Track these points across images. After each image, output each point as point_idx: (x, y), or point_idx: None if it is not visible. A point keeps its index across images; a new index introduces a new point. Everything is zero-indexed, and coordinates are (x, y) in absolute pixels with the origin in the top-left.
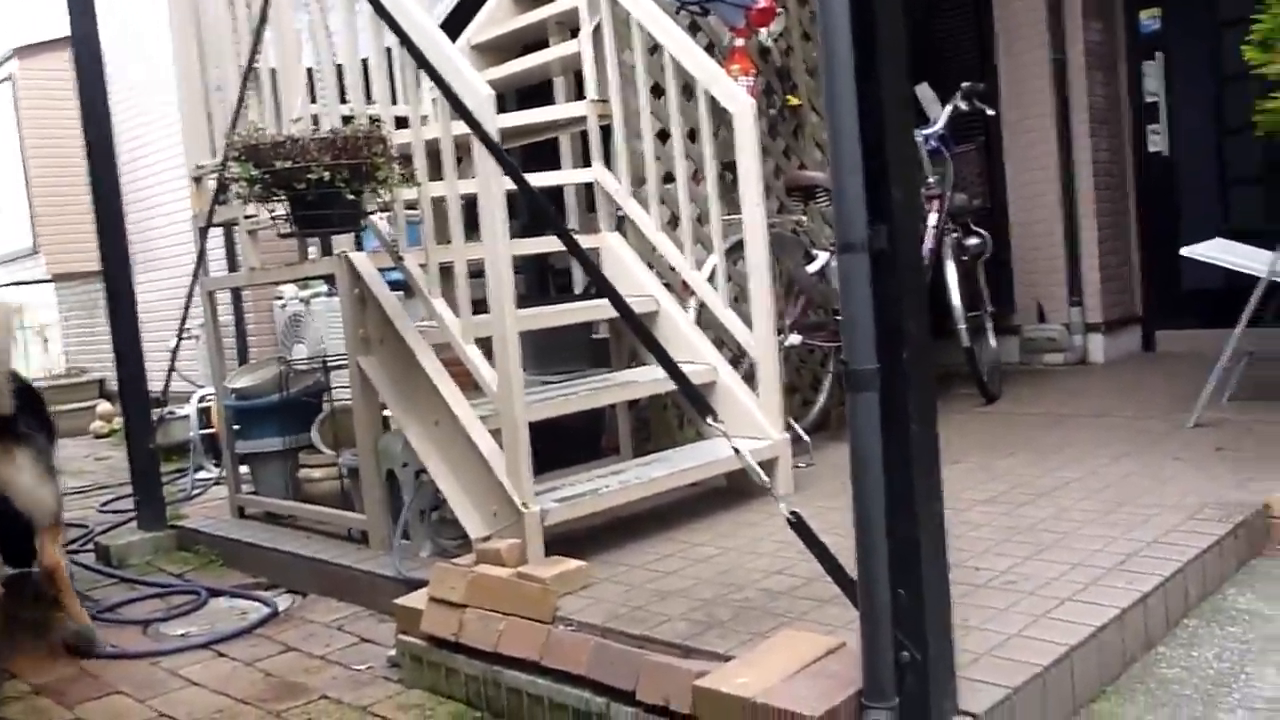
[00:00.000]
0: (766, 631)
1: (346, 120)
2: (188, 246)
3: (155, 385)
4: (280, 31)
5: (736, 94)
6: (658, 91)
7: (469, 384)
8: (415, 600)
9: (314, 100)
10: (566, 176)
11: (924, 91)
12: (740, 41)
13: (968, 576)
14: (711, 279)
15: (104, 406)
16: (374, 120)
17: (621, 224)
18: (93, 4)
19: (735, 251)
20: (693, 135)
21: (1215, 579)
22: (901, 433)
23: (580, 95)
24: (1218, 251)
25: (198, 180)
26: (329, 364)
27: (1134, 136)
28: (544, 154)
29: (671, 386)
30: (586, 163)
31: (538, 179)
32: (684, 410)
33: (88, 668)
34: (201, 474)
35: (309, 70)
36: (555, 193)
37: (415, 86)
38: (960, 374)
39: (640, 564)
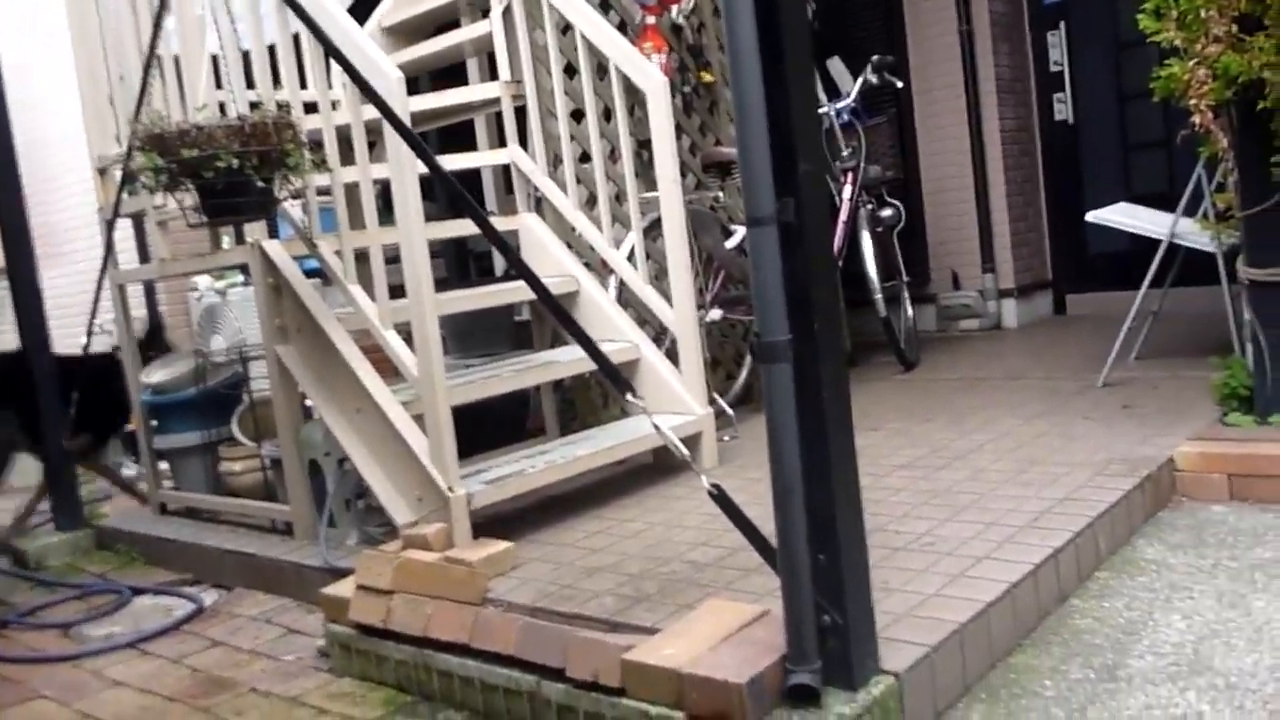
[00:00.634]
0: (693, 603)
1: (254, 107)
2: (97, 240)
3: None
4: (182, 17)
5: (649, 72)
6: (571, 71)
7: (390, 370)
8: (342, 589)
9: (220, 87)
10: (482, 158)
11: (836, 65)
12: (652, 19)
13: (888, 540)
14: (631, 257)
15: None
16: (282, 106)
17: (539, 205)
18: None
19: (654, 229)
20: (608, 114)
21: (1124, 532)
22: (815, 402)
23: (494, 76)
24: (1121, 215)
25: (103, 171)
26: (247, 355)
27: (1040, 105)
28: (461, 136)
29: (594, 365)
30: (503, 144)
31: (453, 161)
32: (608, 389)
33: (6, 673)
34: (122, 472)
35: (214, 57)
36: (472, 175)
37: (324, 71)
38: (878, 343)
39: (569, 542)
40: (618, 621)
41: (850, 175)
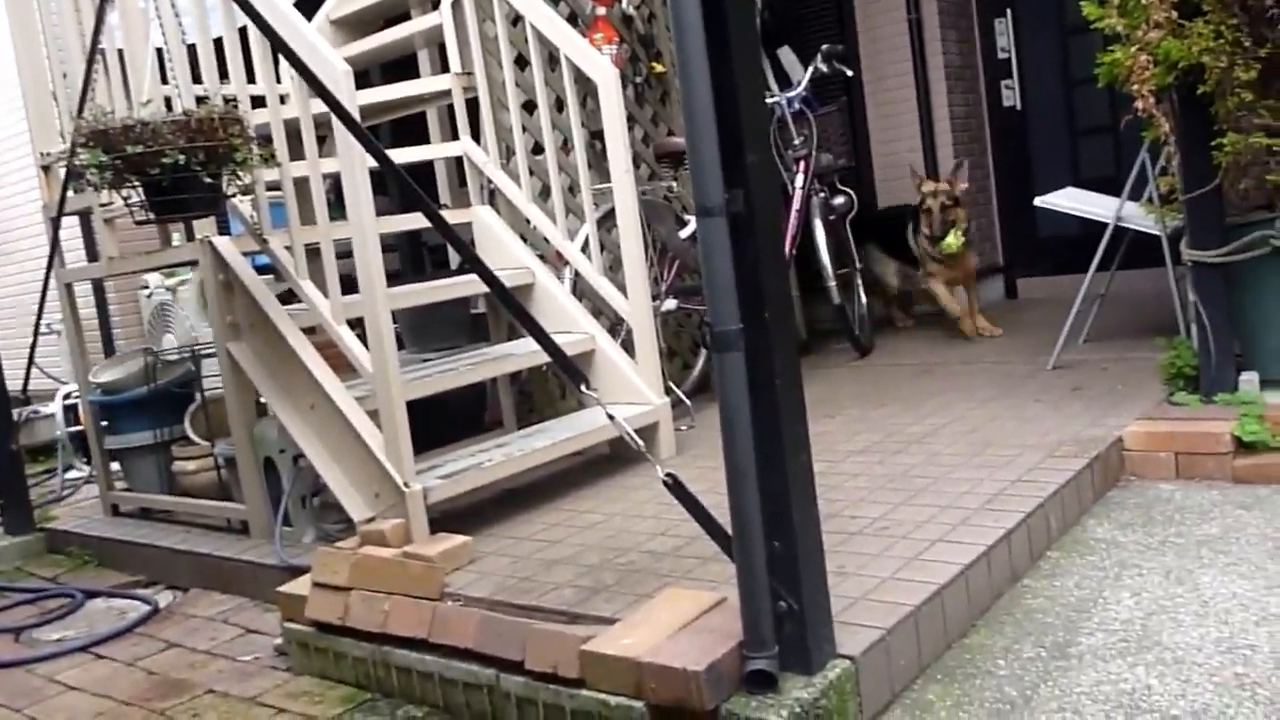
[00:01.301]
0: (652, 592)
1: (200, 101)
2: (44, 238)
3: (15, 383)
4: (125, 11)
5: (600, 63)
6: (522, 62)
7: (345, 366)
8: (299, 587)
9: (165, 82)
10: (434, 151)
11: (786, 55)
12: (602, 10)
13: (843, 525)
14: (585, 249)
15: None
16: (229, 101)
17: (493, 197)
18: None
19: (608, 220)
20: (560, 105)
21: (1074, 512)
22: (767, 389)
23: (445, 69)
24: (1068, 200)
25: (47, 169)
26: (199, 353)
27: (988, 92)
28: (414, 129)
29: (550, 358)
30: (455, 136)
31: (404, 155)
32: (565, 381)
33: None
34: (72, 473)
35: (159, 51)
36: (425, 168)
37: (272, 65)
38: (833, 330)
39: (527, 535)
40: (577, 613)
41: (802, 164)
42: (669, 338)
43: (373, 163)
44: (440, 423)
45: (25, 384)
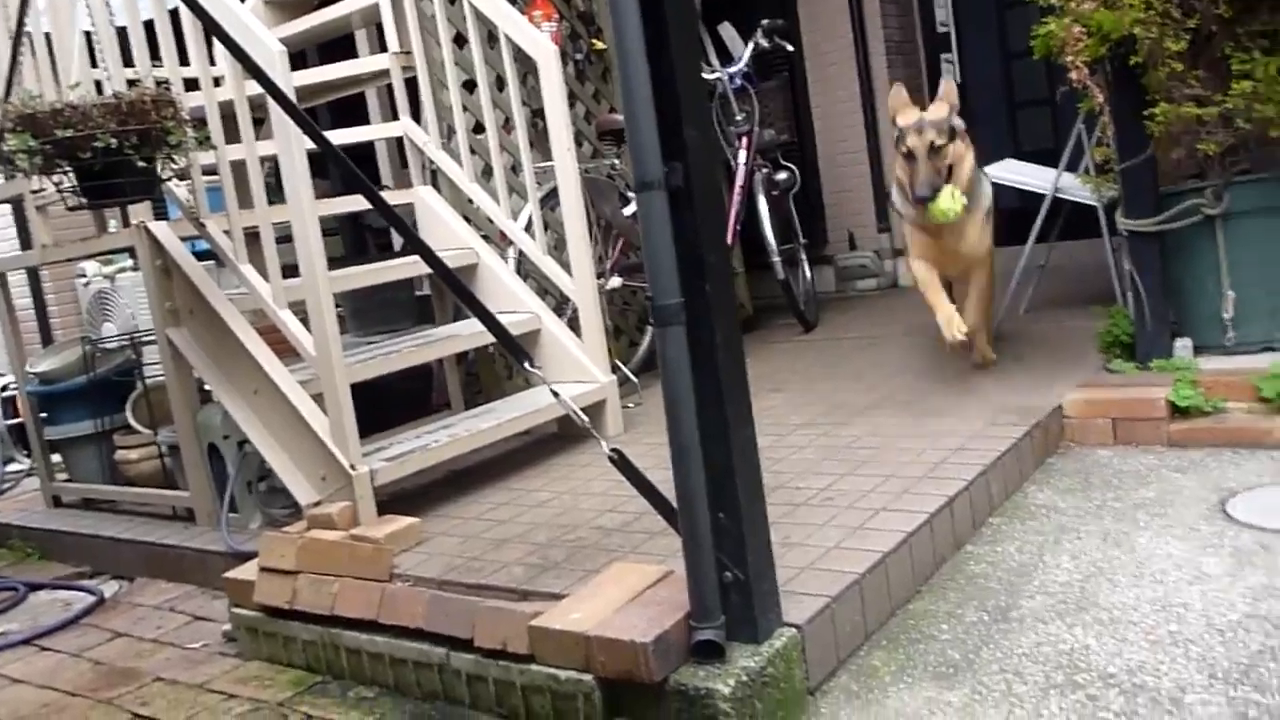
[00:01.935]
0: (600, 568)
1: (132, 84)
2: None
3: None
4: None
5: (539, 40)
6: (461, 41)
7: (290, 351)
8: (246, 572)
9: (95, 65)
10: (373, 132)
11: (727, 31)
12: None
13: (789, 496)
14: (529, 228)
15: None
16: (161, 83)
17: (435, 177)
18: None
19: (551, 198)
20: (501, 84)
21: (1016, 478)
22: (709, 363)
23: (383, 48)
24: (1006, 172)
25: None
26: (139, 340)
27: (928, 66)
28: (354, 110)
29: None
30: (395, 117)
31: (344, 136)
32: (512, 361)
33: None
34: (12, 466)
35: (87, 34)
36: (365, 149)
37: (205, 46)
38: (779, 306)
39: (475, 515)
40: (526, 590)
41: (745, 140)
42: (615, 316)
43: (311, 145)
44: (387, 406)
45: None
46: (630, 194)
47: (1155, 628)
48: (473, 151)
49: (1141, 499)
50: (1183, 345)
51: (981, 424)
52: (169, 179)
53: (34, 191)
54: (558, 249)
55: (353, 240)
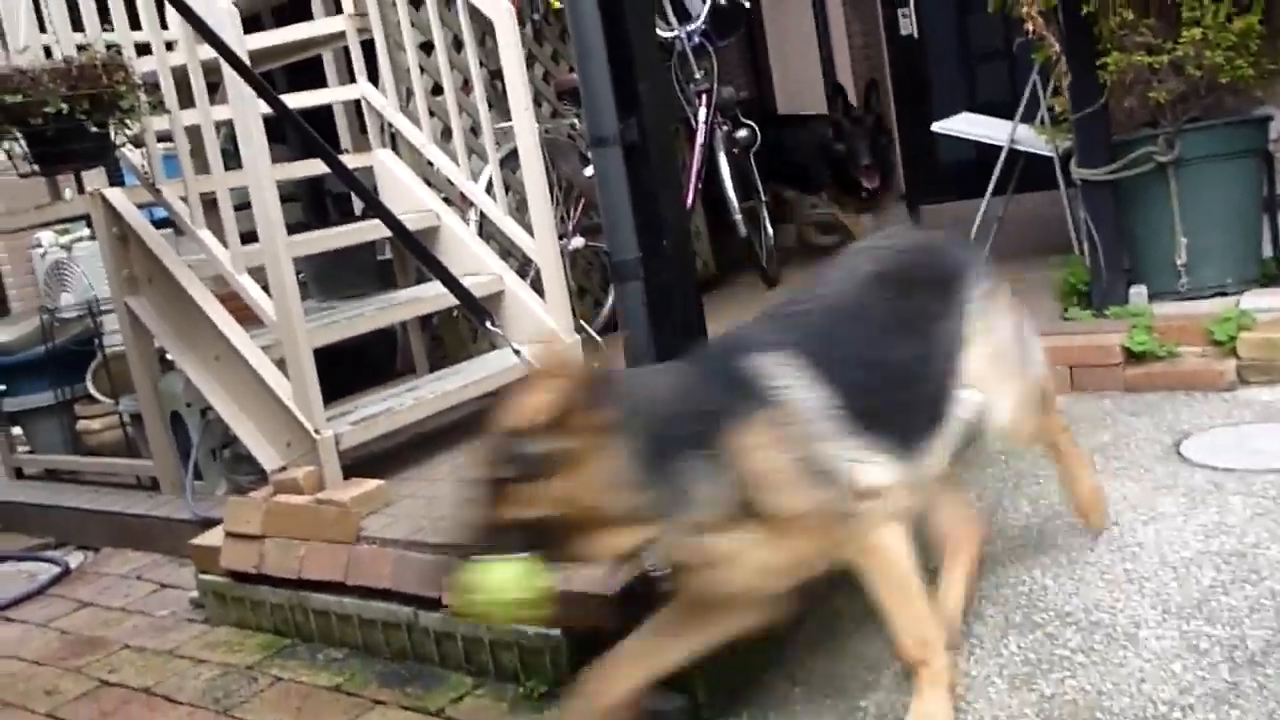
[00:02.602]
0: None
1: (81, 49)
2: None
3: None
4: None
5: (496, 0)
6: (418, 2)
7: (250, 317)
8: (212, 538)
9: (44, 30)
10: (330, 95)
11: None
12: None
13: None
14: (489, 189)
15: None
16: (112, 47)
17: (394, 140)
18: None
19: (511, 160)
20: (458, 45)
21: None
22: (668, 315)
23: (339, 10)
24: (964, 125)
25: None
26: (98, 309)
27: (886, 20)
28: (311, 74)
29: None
30: (352, 79)
31: (300, 99)
32: (475, 324)
33: None
34: None
35: None
36: (324, 113)
37: (155, 9)
38: (741, 263)
39: (442, 477)
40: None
41: (704, 97)
42: (578, 276)
43: (267, 109)
44: (351, 371)
45: None
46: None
47: (1111, 567)
48: (431, 114)
49: (1098, 443)
50: (1137, 292)
51: None
52: (122, 145)
53: None
54: (519, 210)
55: (313, 205)
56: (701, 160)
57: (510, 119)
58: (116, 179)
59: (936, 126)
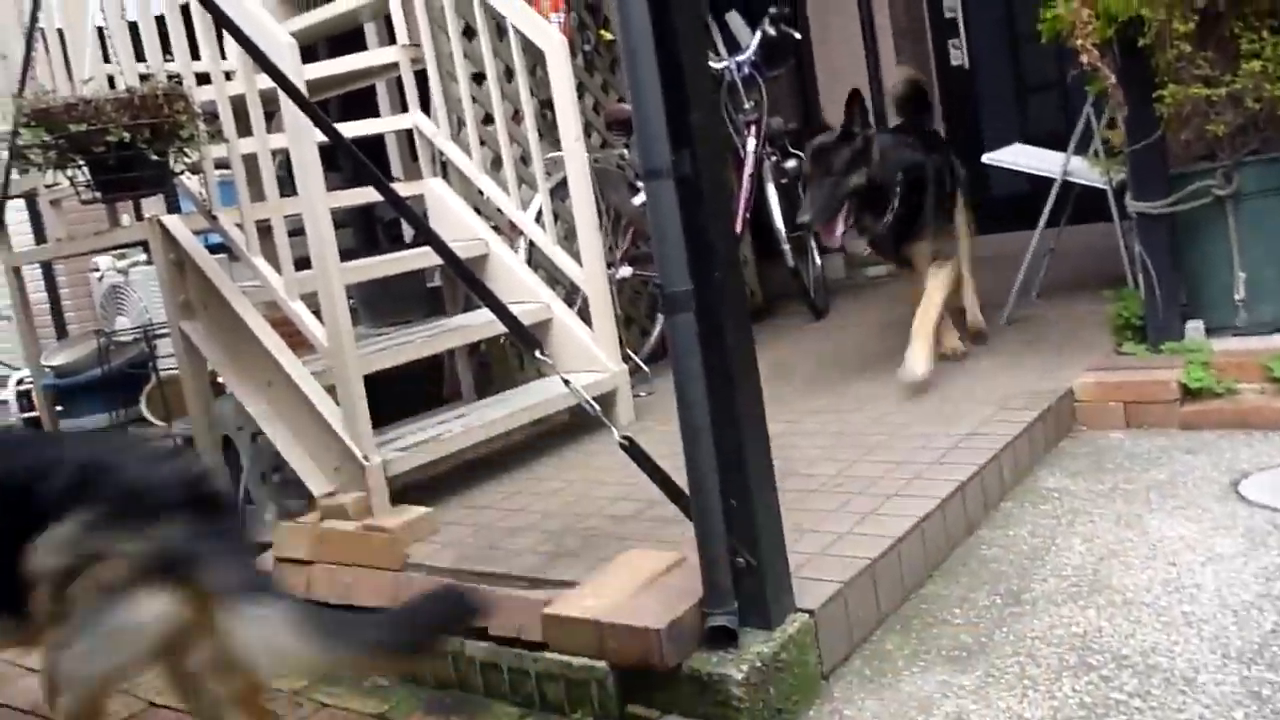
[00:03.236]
0: (613, 556)
1: (144, 79)
2: None
3: None
4: None
5: (548, 31)
6: (470, 33)
7: (301, 343)
8: (261, 563)
9: (107, 60)
10: (383, 124)
11: (734, 20)
12: None
13: (800, 483)
14: (539, 218)
15: None
16: (173, 78)
17: (445, 169)
18: None
19: (561, 189)
20: (509, 75)
21: (1027, 463)
22: (719, 349)
23: (392, 41)
24: (1015, 156)
25: None
26: (153, 333)
27: (936, 51)
28: (364, 103)
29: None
30: (404, 109)
31: (353, 128)
32: (523, 351)
33: None
34: None
35: (99, 29)
36: (376, 142)
37: (215, 40)
38: (789, 293)
39: (489, 504)
40: (539, 578)
41: (753, 128)
42: (626, 305)
43: (322, 137)
44: (399, 396)
45: None
46: (639, 183)
47: (1168, 609)
48: (482, 143)
49: (1154, 481)
50: (1194, 327)
51: (992, 409)
52: (181, 172)
53: (48, 186)
54: (568, 239)
55: (363, 232)
56: (749, 190)
57: (560, 149)
58: (173, 206)
59: (987, 158)
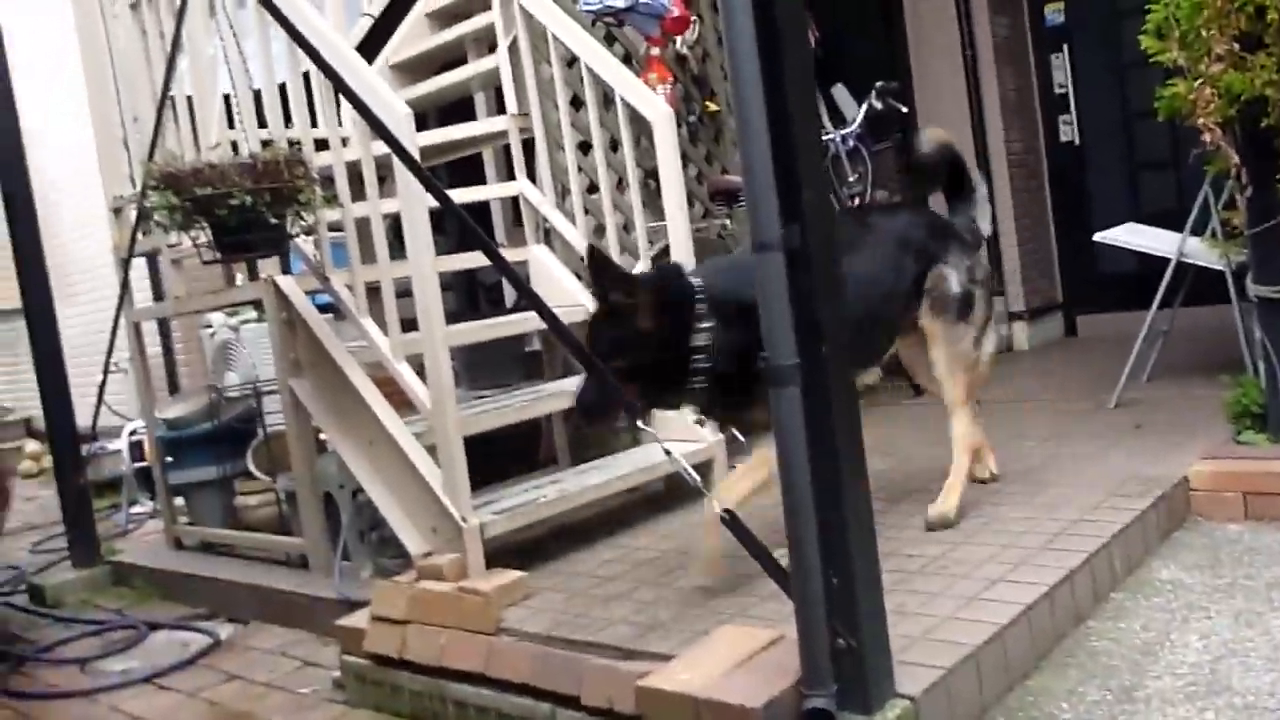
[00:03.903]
0: (708, 629)
1: (266, 145)
2: (109, 279)
3: (84, 420)
4: (195, 58)
5: (654, 102)
6: (578, 103)
7: (403, 403)
8: (357, 620)
9: (232, 126)
10: (491, 191)
11: (840, 93)
12: (656, 50)
13: (902, 564)
14: None
15: (32, 446)
16: (293, 144)
17: (548, 236)
18: (1, 41)
19: (662, 258)
20: (615, 145)
21: (1139, 552)
22: (824, 424)
23: (501, 110)
24: (1128, 235)
25: (117, 211)
26: (261, 389)
27: (1045, 127)
28: (470, 170)
29: None
30: (511, 177)
31: (462, 195)
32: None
33: (25, 709)
34: (136, 508)
35: (225, 96)
36: (481, 208)
37: (334, 108)
38: (890, 368)
39: (582, 571)
40: (632, 649)
41: (858, 201)
42: None
43: (432, 203)
44: (495, 459)
45: (94, 421)
46: None
47: None
48: (586, 211)
49: (1276, 577)
50: None
51: (1102, 494)
52: (297, 235)
53: (170, 246)
54: None
55: (465, 296)
56: None
57: (662, 218)
58: (285, 267)
59: (1100, 236)
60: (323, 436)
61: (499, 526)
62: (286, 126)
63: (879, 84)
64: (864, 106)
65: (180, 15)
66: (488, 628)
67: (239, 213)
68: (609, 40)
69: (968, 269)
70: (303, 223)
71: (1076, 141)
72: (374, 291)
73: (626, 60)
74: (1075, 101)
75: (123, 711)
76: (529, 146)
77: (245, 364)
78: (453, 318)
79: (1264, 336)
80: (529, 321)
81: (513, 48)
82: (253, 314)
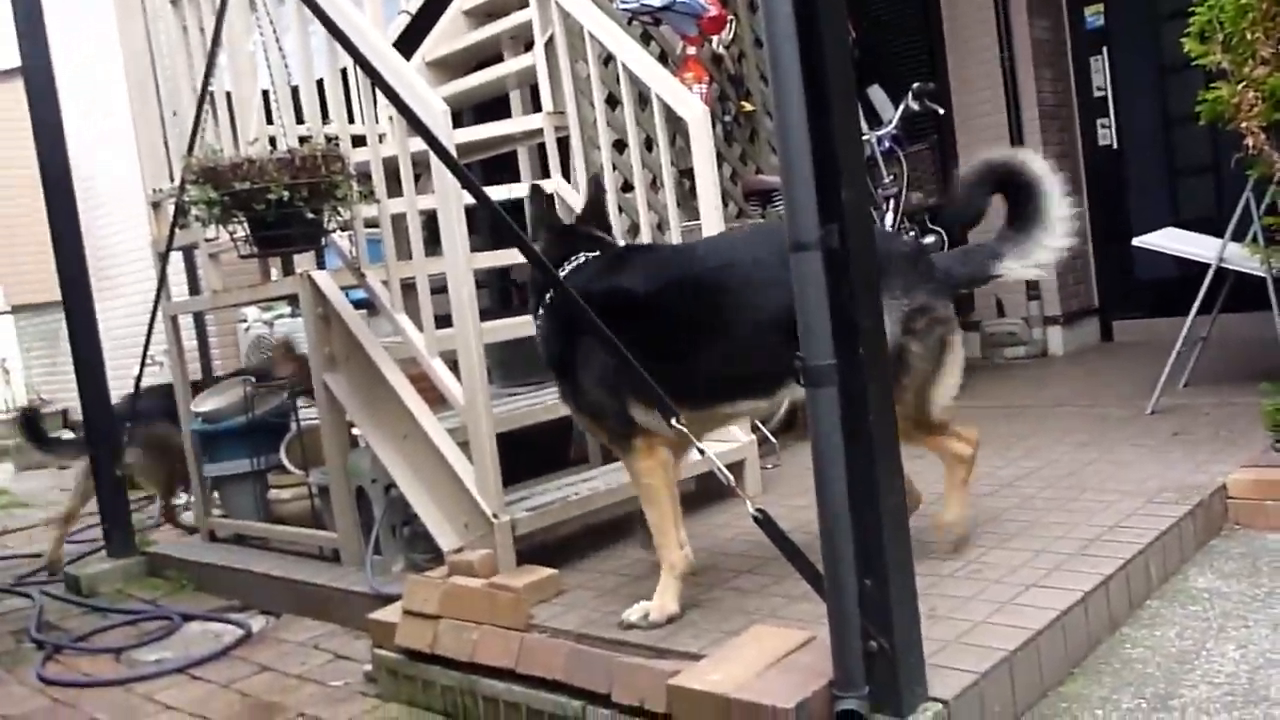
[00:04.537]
0: (739, 629)
1: (303, 140)
2: (147, 272)
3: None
4: (234, 54)
5: (690, 101)
6: (613, 102)
7: (436, 398)
8: (389, 614)
9: (270, 121)
10: (525, 189)
11: (876, 94)
12: (693, 50)
13: (935, 567)
14: None
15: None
16: (331, 139)
17: None
18: (45, 34)
19: None
20: (650, 144)
21: (1175, 560)
22: (861, 425)
23: (536, 108)
24: (1168, 240)
25: (156, 205)
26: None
27: (1083, 131)
28: (504, 167)
29: None
30: (545, 174)
31: (497, 192)
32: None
33: (61, 697)
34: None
35: (264, 92)
36: (516, 205)
37: (372, 105)
38: None
39: (612, 569)
40: (663, 648)
41: (893, 202)
42: None
43: (468, 199)
44: (527, 456)
45: (131, 414)
46: None
47: None
48: (620, 210)
49: None
50: None
51: (1138, 501)
52: (334, 230)
53: (207, 240)
54: None
55: (499, 293)
56: None
57: (696, 217)
58: (320, 262)
59: (1138, 241)
60: (355, 431)
61: (530, 524)
62: (324, 122)
63: (915, 85)
64: (901, 107)
65: (220, 11)
66: (518, 624)
67: (276, 208)
68: (645, 39)
69: (904, 314)
70: (339, 218)
71: (1115, 145)
72: (408, 288)
73: (662, 59)
74: (1114, 105)
75: (156, 701)
76: (564, 145)
77: None
78: (486, 315)
79: None
80: None
81: (549, 45)
82: (287, 309)
